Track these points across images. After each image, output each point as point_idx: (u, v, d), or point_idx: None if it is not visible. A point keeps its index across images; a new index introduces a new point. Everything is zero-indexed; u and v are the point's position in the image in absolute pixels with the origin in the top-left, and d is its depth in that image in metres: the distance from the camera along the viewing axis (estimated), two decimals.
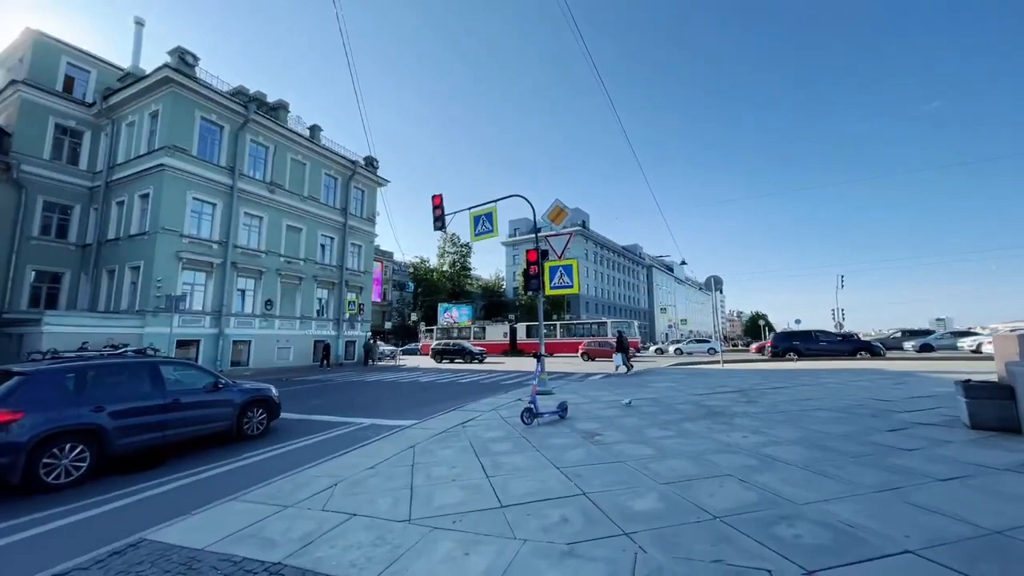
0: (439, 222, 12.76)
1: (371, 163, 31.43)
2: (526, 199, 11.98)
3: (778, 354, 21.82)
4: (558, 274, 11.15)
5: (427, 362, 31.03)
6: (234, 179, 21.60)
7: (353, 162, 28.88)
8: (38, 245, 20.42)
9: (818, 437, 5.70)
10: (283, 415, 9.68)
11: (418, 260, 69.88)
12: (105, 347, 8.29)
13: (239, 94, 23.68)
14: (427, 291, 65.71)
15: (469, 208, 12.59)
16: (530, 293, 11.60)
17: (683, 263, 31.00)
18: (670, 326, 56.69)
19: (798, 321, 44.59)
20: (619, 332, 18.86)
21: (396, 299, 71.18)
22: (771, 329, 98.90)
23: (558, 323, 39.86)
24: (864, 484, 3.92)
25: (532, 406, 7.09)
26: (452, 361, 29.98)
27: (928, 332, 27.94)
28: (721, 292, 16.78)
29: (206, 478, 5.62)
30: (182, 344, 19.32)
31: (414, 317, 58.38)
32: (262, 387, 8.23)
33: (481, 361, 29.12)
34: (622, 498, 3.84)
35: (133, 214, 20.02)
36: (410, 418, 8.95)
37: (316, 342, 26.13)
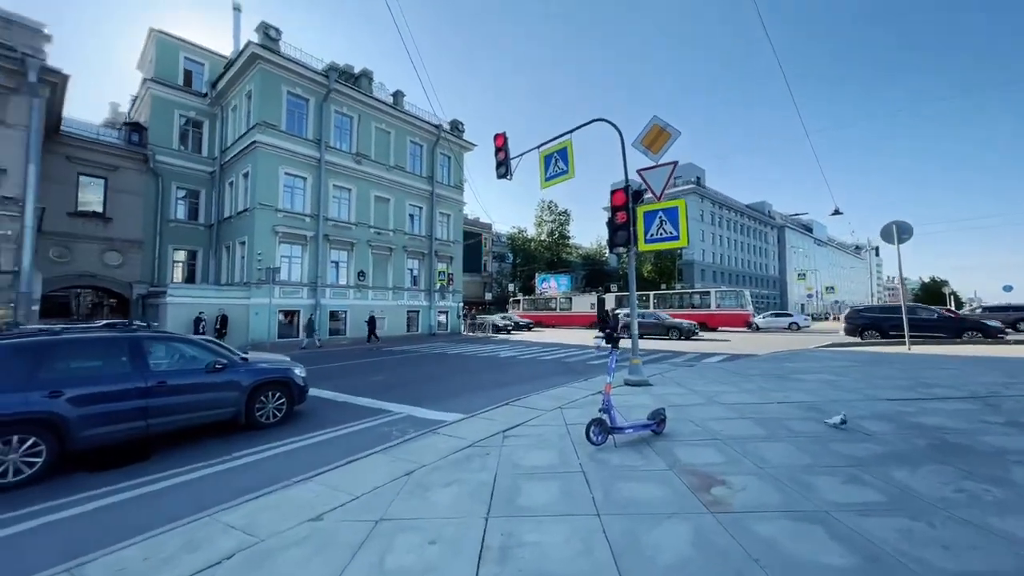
0: (502, 168, 10.35)
1: (456, 127, 30.02)
2: (612, 124, 8.90)
3: (852, 332, 18.03)
4: (657, 221, 8.02)
5: (519, 334, 29.56)
6: (321, 151, 21.74)
7: (437, 126, 27.70)
8: (176, 227, 23.09)
9: None
10: (330, 394, 8.69)
11: (515, 230, 68.68)
12: (122, 321, 7.66)
13: (331, 71, 23.69)
14: (525, 261, 64.49)
15: (538, 146, 9.94)
16: (619, 251, 8.67)
17: (837, 212, 24.03)
18: (809, 295, 47.11)
19: (1008, 288, 33.15)
20: (609, 309, 17.74)
21: (496, 270, 71.43)
22: (957, 299, 78.29)
23: (651, 293, 34.89)
24: None
25: (605, 417, 4.50)
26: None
27: None
28: (899, 243, 11.75)
29: (180, 484, 4.45)
30: (286, 313, 20.36)
31: (511, 288, 57.68)
32: (280, 366, 6.92)
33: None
34: None
35: (238, 193, 21.34)
36: (456, 410, 7.02)
37: (409, 312, 26.23)
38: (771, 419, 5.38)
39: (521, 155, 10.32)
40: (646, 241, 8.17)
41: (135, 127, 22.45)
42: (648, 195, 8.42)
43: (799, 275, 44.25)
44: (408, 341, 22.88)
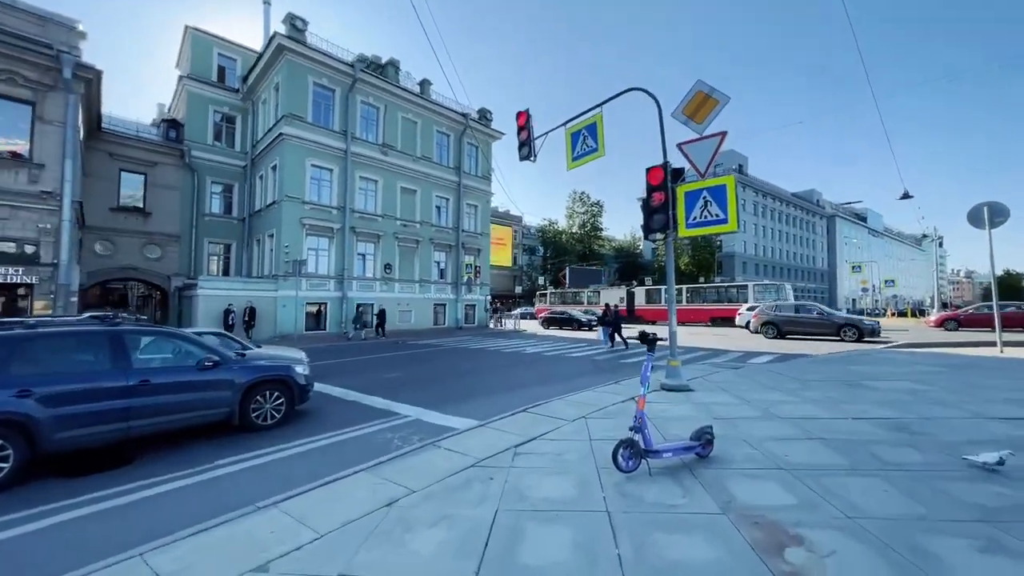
0: (525, 148, 9.47)
1: (484, 115, 29.25)
2: (649, 93, 7.83)
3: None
4: (700, 202, 6.93)
5: (549, 329, 28.69)
6: (347, 142, 21.52)
7: (464, 115, 27.00)
8: (211, 221, 23.61)
9: None
10: (340, 391, 8.22)
11: (546, 222, 67.46)
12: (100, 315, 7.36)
13: (358, 61, 23.44)
14: (556, 254, 63.26)
15: (564, 123, 8.99)
16: (655, 238, 7.62)
17: (906, 195, 21.54)
18: (864, 289, 43.50)
19: None
20: (608, 302, 18.54)
21: (526, 263, 70.52)
22: None
23: (684, 287, 33.20)
24: None
25: (638, 437, 3.61)
26: (561, 328, 27.18)
27: None
28: (991, 227, 10.02)
29: (147, 498, 3.96)
30: (311, 305, 20.38)
31: (541, 281, 56.72)
32: (280, 364, 6.41)
33: (591, 328, 25.46)
34: None
35: (268, 186, 21.48)
36: (469, 415, 6.32)
37: (436, 305, 25.87)
38: (850, 442, 4.31)
39: (546, 134, 9.40)
40: (688, 225, 7.11)
41: (172, 123, 23.03)
42: (690, 172, 7.33)
43: (853, 267, 40.79)
44: (434, 335, 22.49)
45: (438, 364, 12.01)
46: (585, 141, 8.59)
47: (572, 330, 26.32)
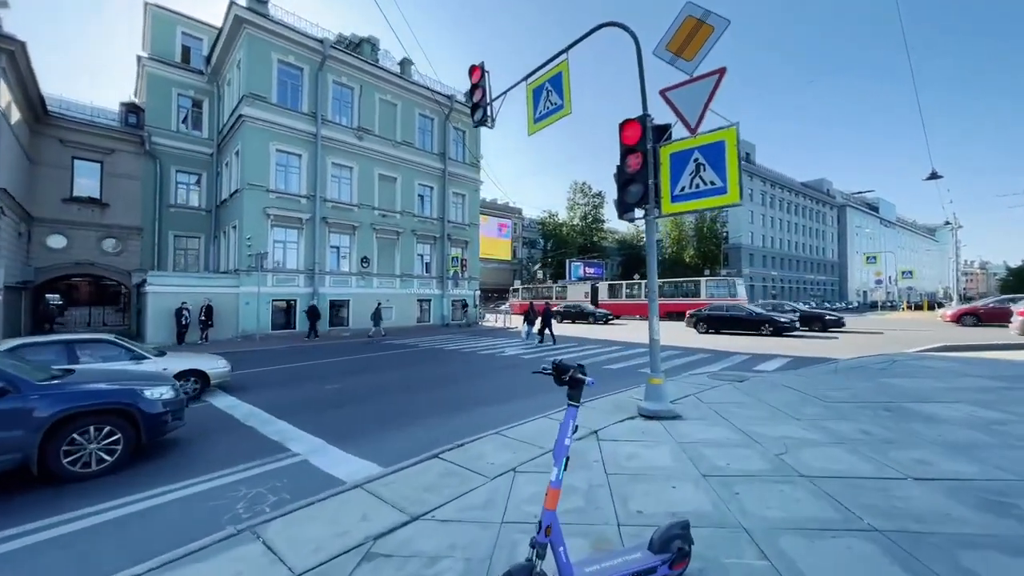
0: (480, 111, 7.71)
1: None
2: (625, 28, 6.04)
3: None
4: (691, 166, 5.17)
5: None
6: (317, 125, 19.82)
7: (449, 97, 25.15)
8: (177, 212, 22.05)
9: None
10: (250, 410, 6.92)
11: (546, 214, 65.43)
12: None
13: (328, 37, 21.64)
14: (557, 247, 61.31)
15: (525, 78, 7.22)
16: (633, 217, 5.81)
17: (934, 175, 19.51)
18: (879, 281, 41.26)
19: None
20: (531, 300, 19.70)
21: (526, 257, 68.63)
22: None
23: (642, 282, 33.37)
24: None
25: (538, 564, 1.90)
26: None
27: None
28: None
29: None
30: (279, 301, 18.82)
31: (540, 275, 54.96)
32: (119, 388, 4.76)
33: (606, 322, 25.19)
34: None
35: (232, 173, 19.86)
36: (375, 455, 4.74)
37: (420, 301, 24.24)
38: (921, 537, 2.58)
39: (505, 92, 7.64)
40: (674, 198, 5.35)
41: (132, 108, 21.44)
42: (679, 129, 5.55)
43: (867, 258, 38.58)
44: (417, 332, 20.90)
45: (392, 373, 10.36)
46: (549, 97, 6.83)
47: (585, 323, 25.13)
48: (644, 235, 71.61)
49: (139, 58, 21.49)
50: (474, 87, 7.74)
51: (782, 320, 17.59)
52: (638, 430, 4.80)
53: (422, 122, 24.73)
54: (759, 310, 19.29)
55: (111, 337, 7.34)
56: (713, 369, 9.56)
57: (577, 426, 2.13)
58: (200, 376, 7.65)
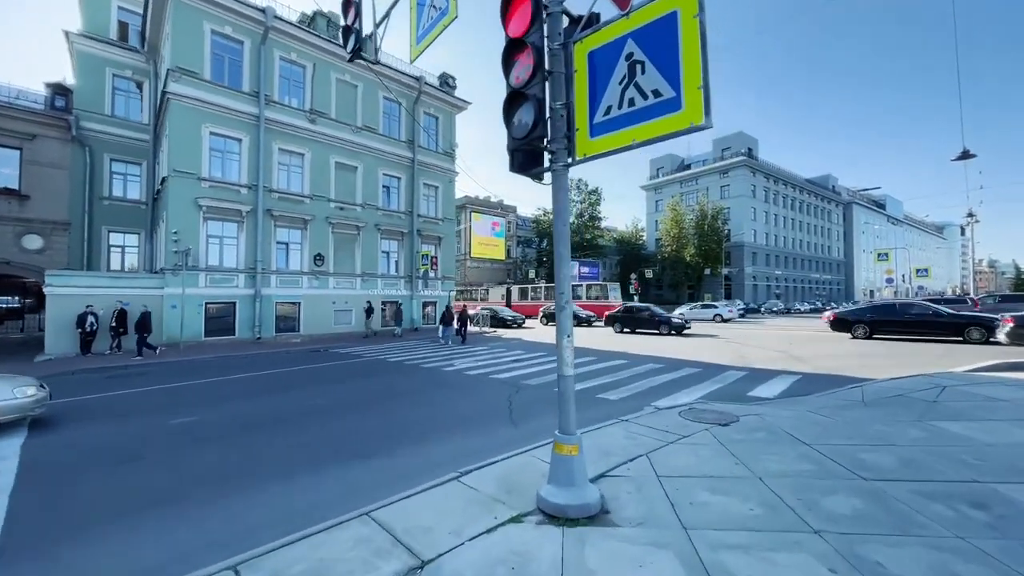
0: (353, 37, 5.42)
1: (446, 82, 25.11)
2: None
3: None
4: (623, 68, 2.91)
5: (510, 331, 24.74)
6: (260, 106, 17.59)
7: (418, 78, 22.87)
8: (112, 205, 19.85)
9: None
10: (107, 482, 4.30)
11: (541, 212, 63.04)
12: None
13: (270, 7, 19.38)
14: (551, 245, 58.93)
15: None
16: (537, 171, 3.52)
17: (965, 155, 17.06)
18: (889, 279, 38.72)
19: None
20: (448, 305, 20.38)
21: (520, 256, 66.29)
22: None
23: (530, 287, 38.82)
24: None
25: None
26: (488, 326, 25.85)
27: None
28: None
29: None
30: (214, 304, 16.58)
31: (532, 275, 52.66)
32: None
33: (519, 326, 26.26)
34: None
35: (164, 161, 17.66)
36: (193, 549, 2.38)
37: (385, 303, 21.95)
38: None
39: (388, 12, 5.34)
40: (595, 129, 3.03)
41: (60, 90, 19.26)
42: (604, 9, 3.23)
43: (878, 255, 36.10)
44: (377, 339, 18.62)
45: (300, 393, 8.07)
46: (431, 8, 4.53)
47: (503, 328, 25.45)
48: (642, 233, 69.56)
49: (67, 34, 19.30)
50: (345, 4, 5.45)
51: (675, 321, 20.56)
52: (512, 556, 2.48)
53: (387, 106, 22.46)
54: (663, 312, 21.95)
55: None
56: (694, 396, 7.22)
57: None
58: None
